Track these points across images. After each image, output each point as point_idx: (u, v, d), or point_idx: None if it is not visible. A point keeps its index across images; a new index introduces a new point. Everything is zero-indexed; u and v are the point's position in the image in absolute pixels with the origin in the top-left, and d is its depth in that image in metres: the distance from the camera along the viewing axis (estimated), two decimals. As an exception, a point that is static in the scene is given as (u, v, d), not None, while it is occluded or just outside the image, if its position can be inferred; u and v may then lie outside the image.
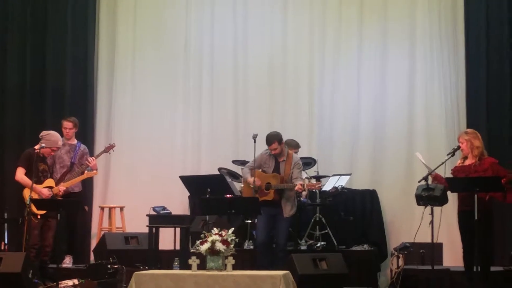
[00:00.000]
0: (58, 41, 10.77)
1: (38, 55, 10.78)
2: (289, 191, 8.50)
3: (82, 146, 9.62)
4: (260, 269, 7.65)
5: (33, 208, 8.28)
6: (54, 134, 8.66)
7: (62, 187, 8.65)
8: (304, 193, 9.66)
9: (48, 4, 10.83)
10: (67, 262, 9.26)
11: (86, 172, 9.08)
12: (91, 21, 10.82)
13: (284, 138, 9.81)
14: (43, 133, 8.64)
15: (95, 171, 9.25)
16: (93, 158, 9.32)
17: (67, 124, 9.55)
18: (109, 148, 9.61)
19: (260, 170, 8.57)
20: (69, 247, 9.52)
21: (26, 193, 8.39)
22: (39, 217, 8.27)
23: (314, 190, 9.24)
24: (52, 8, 10.81)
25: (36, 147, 8.45)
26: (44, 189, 8.45)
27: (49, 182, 8.60)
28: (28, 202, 8.14)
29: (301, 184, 8.34)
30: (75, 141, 9.59)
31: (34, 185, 8.37)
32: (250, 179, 8.46)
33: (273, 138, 8.50)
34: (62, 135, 9.45)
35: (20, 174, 8.51)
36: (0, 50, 10.78)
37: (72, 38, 10.76)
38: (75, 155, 9.45)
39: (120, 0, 11.04)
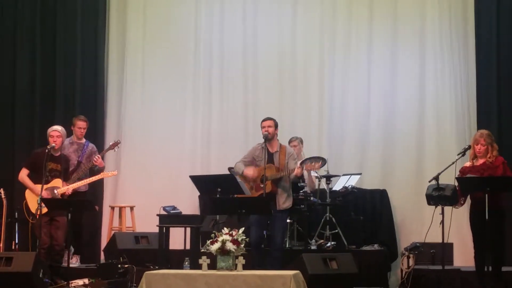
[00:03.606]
0: (68, 40, 10.79)
1: (47, 55, 10.80)
2: (285, 182, 8.30)
3: (90, 145, 9.62)
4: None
5: (31, 208, 8.32)
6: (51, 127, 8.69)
7: (70, 188, 8.66)
8: (313, 176, 9.62)
9: (57, 4, 10.85)
10: (74, 262, 9.27)
11: (103, 172, 9.15)
12: (101, 20, 10.83)
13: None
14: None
15: (115, 171, 9.36)
16: (99, 156, 9.33)
17: (82, 124, 9.54)
18: (114, 145, 9.62)
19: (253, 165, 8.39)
20: (76, 247, 9.53)
21: (27, 194, 8.51)
22: (37, 216, 8.20)
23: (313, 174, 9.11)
24: (61, 7, 10.83)
25: (48, 146, 8.48)
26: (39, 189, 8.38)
27: (56, 182, 8.58)
28: (38, 202, 8.16)
29: (299, 167, 8.11)
30: (83, 140, 9.61)
31: (32, 185, 8.44)
32: (247, 171, 8.26)
33: (271, 118, 8.43)
34: (71, 133, 9.49)
35: (22, 174, 8.58)
36: (10, 51, 10.81)
37: (82, 37, 10.79)
38: (83, 153, 9.47)
39: (130, -1, 11.08)
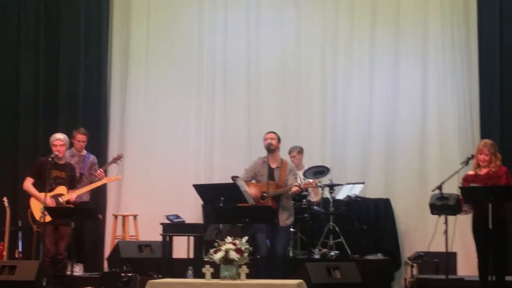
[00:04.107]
0: (71, 48, 10.81)
1: (51, 64, 10.81)
2: (285, 200, 8.30)
3: (91, 157, 9.63)
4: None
5: (36, 216, 8.33)
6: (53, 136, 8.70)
7: (74, 194, 8.66)
8: (316, 197, 9.62)
9: (61, 11, 10.87)
10: (77, 271, 9.26)
11: (107, 177, 9.16)
12: (104, 28, 10.86)
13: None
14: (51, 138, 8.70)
15: (119, 175, 9.40)
16: (101, 170, 9.36)
17: (81, 137, 9.55)
18: (117, 159, 9.67)
19: (253, 181, 8.40)
20: (79, 255, 9.51)
21: (32, 202, 8.48)
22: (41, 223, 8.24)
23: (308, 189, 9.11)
24: (65, 15, 10.86)
25: (52, 155, 8.48)
26: (47, 198, 8.38)
27: (61, 189, 8.55)
28: (42, 210, 8.17)
29: (296, 185, 8.16)
30: (84, 152, 9.62)
31: (37, 193, 8.42)
32: (249, 190, 8.28)
33: (274, 132, 8.44)
34: (72, 146, 9.48)
35: (27, 183, 8.58)
36: (13, 59, 10.84)
37: (85, 45, 10.80)
38: (84, 165, 9.48)
39: (133, 7, 11.07)
